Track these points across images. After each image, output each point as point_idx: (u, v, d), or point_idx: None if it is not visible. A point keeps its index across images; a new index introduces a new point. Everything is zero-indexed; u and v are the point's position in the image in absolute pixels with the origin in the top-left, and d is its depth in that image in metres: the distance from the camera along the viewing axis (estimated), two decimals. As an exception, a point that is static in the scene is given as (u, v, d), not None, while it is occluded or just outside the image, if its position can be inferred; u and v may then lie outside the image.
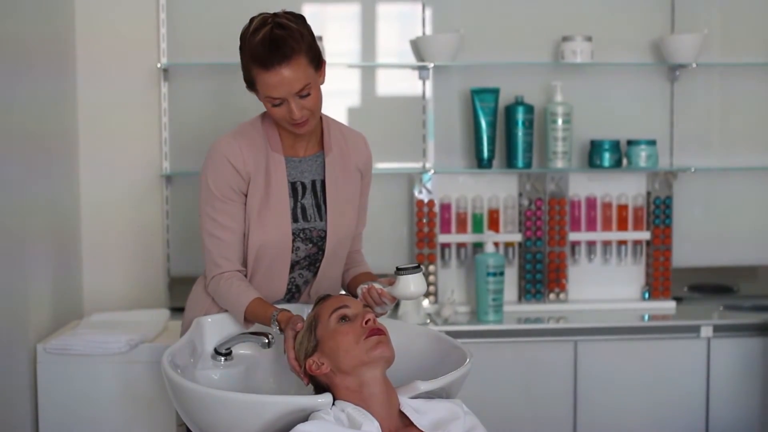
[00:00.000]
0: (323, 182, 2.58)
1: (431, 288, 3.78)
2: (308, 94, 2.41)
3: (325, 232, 2.57)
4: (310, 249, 2.58)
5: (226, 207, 2.51)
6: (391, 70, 3.90)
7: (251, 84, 2.44)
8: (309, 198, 2.57)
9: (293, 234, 2.54)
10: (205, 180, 2.52)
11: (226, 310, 2.56)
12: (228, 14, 3.76)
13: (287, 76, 2.37)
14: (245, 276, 2.56)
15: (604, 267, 3.92)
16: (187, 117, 3.76)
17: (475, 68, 3.87)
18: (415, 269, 2.30)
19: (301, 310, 2.59)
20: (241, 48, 2.43)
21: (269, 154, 2.53)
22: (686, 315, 3.73)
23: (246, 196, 2.52)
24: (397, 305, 3.58)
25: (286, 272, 2.57)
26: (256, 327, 2.49)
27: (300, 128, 2.46)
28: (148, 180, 3.76)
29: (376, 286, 2.36)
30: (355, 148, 2.65)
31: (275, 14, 2.43)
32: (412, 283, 2.30)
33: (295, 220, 2.55)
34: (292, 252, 2.56)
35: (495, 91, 3.78)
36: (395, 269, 2.31)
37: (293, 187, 2.56)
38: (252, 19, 2.43)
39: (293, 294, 2.65)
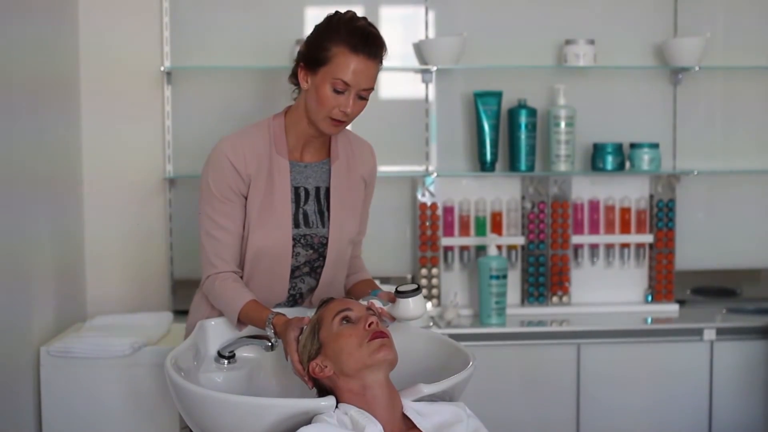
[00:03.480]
0: (328, 189, 2.58)
1: (434, 291, 3.78)
2: (365, 98, 2.45)
3: (327, 238, 2.57)
4: (311, 255, 2.58)
5: (224, 207, 2.51)
6: (394, 73, 3.90)
7: (320, 62, 2.42)
8: (312, 204, 2.57)
9: (293, 239, 2.54)
10: (206, 179, 2.53)
11: (229, 313, 2.56)
12: (231, 18, 3.78)
13: (368, 69, 2.42)
14: (241, 278, 2.56)
15: (607, 270, 3.92)
16: (190, 120, 3.76)
17: (478, 71, 3.87)
18: (415, 291, 2.32)
19: (303, 314, 2.59)
20: (327, 27, 2.44)
21: (273, 158, 2.53)
22: (689, 318, 3.73)
23: (246, 198, 2.52)
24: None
25: (286, 277, 2.57)
26: (250, 329, 2.50)
27: (336, 126, 2.47)
28: (151, 183, 3.77)
29: (377, 303, 2.36)
30: (361, 157, 2.65)
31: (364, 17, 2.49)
32: (412, 306, 2.33)
33: (296, 225, 2.54)
34: (292, 257, 2.56)
35: (498, 95, 3.78)
36: (395, 291, 2.33)
37: (296, 192, 2.56)
38: (337, 11, 2.47)
39: (296, 300, 2.65)
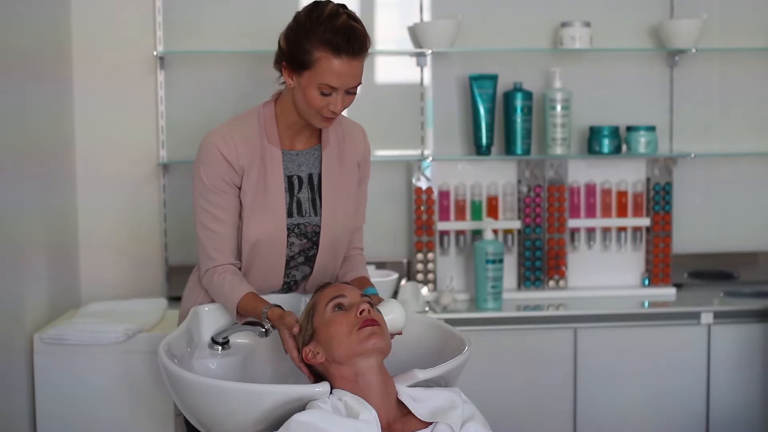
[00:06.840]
0: (320, 176, 2.56)
1: (430, 276, 3.77)
2: (354, 93, 2.41)
3: (320, 227, 2.55)
4: (305, 244, 2.56)
5: (219, 199, 2.48)
6: (389, 57, 3.88)
7: (303, 65, 2.36)
8: (305, 192, 2.54)
9: (288, 229, 2.52)
10: (198, 172, 2.50)
11: (222, 300, 2.54)
12: (224, 1, 3.75)
13: (353, 68, 2.36)
14: (239, 269, 2.54)
15: (603, 254, 3.91)
16: (183, 105, 3.74)
17: (473, 55, 3.85)
18: (392, 306, 2.29)
19: (299, 300, 2.59)
20: (306, 26, 2.35)
21: (265, 147, 2.50)
22: (686, 301, 3.73)
23: (240, 188, 2.49)
24: (395, 293, 3.59)
25: (281, 267, 2.55)
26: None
27: (327, 123, 2.45)
28: (145, 169, 3.75)
29: None
30: (352, 140, 2.62)
31: (342, 5, 2.40)
32: (398, 319, 2.28)
33: (290, 215, 2.52)
34: (287, 247, 2.54)
35: (493, 78, 3.76)
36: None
37: (289, 181, 2.53)
38: (316, 3, 2.39)
39: (291, 287, 2.63)
